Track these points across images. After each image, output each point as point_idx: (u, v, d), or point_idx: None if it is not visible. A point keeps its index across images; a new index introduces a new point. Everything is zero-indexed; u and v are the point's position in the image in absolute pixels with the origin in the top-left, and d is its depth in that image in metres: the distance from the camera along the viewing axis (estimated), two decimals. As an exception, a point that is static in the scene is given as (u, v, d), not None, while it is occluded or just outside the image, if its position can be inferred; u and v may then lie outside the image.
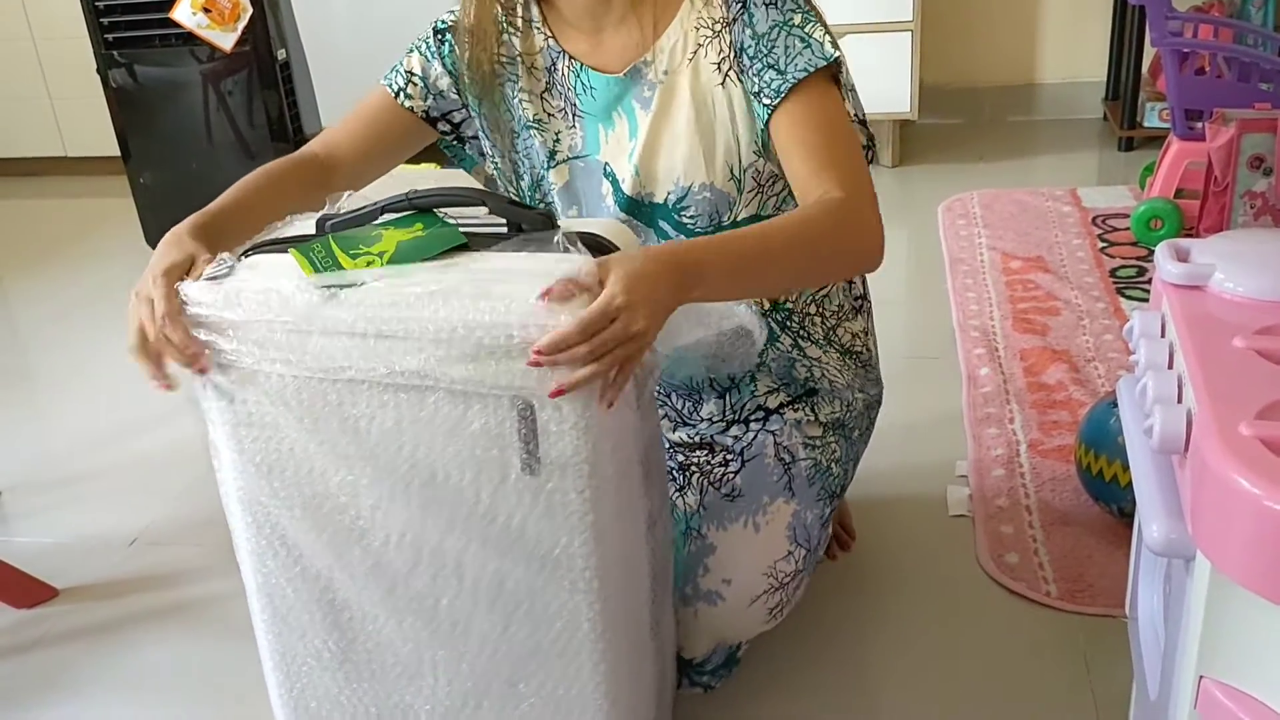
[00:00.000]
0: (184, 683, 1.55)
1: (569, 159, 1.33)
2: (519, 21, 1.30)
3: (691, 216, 1.29)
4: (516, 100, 1.32)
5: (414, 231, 1.06)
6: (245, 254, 1.09)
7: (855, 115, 1.27)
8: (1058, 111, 3.65)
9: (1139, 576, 1.16)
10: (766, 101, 1.21)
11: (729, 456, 1.37)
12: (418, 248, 1.03)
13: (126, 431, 2.20)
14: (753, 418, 1.41)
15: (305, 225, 1.12)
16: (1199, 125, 2.50)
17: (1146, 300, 2.31)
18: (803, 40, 1.20)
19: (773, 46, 1.21)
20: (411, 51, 1.34)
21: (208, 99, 2.82)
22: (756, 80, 1.22)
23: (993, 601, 1.56)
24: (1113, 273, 2.48)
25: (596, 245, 1.05)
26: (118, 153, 2.92)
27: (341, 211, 1.10)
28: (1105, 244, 2.63)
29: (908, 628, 1.53)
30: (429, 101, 1.34)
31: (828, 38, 1.21)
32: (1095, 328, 2.24)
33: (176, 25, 2.69)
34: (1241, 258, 1.03)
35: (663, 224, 1.31)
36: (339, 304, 1.00)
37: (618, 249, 1.06)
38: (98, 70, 2.83)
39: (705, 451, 1.39)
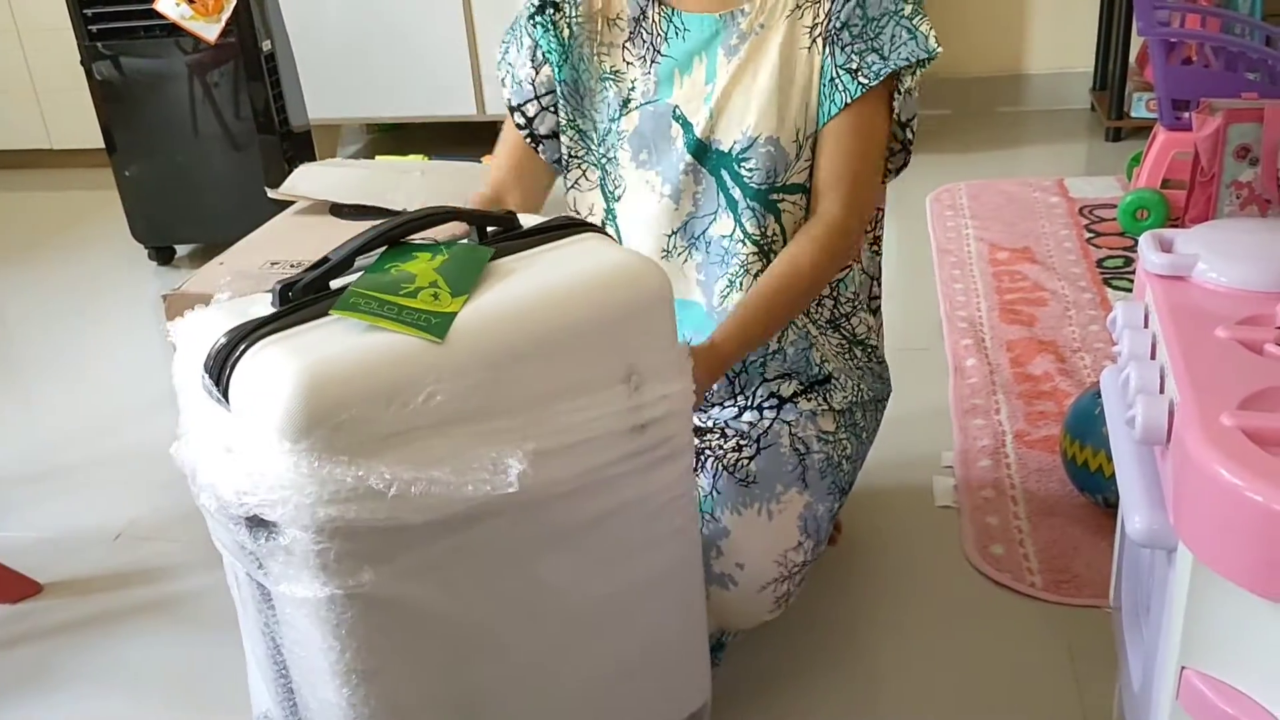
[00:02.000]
0: (168, 677, 1.54)
1: (641, 105, 1.36)
2: None
3: (750, 169, 1.32)
4: (595, 55, 1.36)
5: (441, 258, 0.99)
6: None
7: (899, 118, 1.34)
8: (1045, 102, 3.65)
9: (1123, 567, 1.16)
10: (864, 80, 1.26)
11: (743, 442, 1.37)
12: (461, 272, 0.97)
13: (111, 425, 2.19)
14: (766, 405, 1.42)
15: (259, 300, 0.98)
16: (1186, 115, 2.50)
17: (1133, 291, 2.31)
18: (909, 31, 1.27)
19: (880, 31, 1.27)
20: (507, 47, 1.41)
21: (193, 91, 2.80)
22: (857, 59, 1.26)
23: (978, 593, 1.56)
24: (1099, 263, 2.49)
25: (572, 224, 1.08)
26: (103, 145, 2.91)
27: (296, 276, 0.95)
28: (1092, 234, 2.63)
29: (894, 619, 1.53)
30: (514, 89, 1.40)
31: (933, 32, 1.27)
32: (1082, 318, 2.25)
33: (160, 16, 2.67)
34: (1225, 248, 1.03)
35: (724, 174, 1.34)
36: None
37: (595, 225, 1.11)
38: (82, 62, 2.81)
39: (717, 435, 1.40)
